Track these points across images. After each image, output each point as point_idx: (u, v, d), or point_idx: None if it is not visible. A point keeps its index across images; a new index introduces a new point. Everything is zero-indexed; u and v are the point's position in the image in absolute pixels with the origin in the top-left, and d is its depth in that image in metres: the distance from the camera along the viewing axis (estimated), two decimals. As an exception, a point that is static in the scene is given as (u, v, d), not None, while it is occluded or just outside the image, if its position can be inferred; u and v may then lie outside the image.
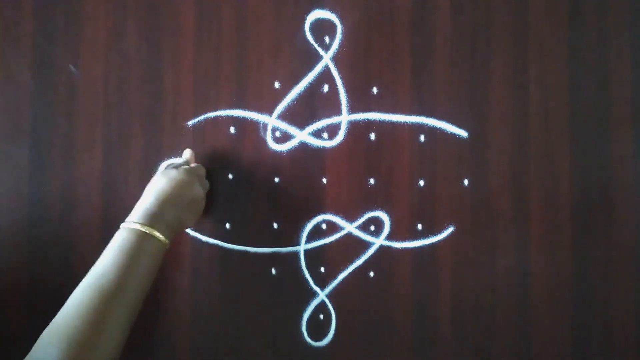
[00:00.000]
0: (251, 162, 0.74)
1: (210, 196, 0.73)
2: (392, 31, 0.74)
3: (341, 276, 0.74)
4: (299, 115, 0.74)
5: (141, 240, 0.55)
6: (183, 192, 0.62)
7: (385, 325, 0.74)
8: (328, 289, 0.74)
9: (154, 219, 0.57)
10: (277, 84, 0.74)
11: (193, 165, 0.71)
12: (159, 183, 0.62)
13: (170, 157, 0.74)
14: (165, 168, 0.66)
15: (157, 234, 0.56)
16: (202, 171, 0.71)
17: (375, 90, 0.74)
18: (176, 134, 0.74)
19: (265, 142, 0.74)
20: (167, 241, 0.58)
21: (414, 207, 0.74)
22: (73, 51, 0.75)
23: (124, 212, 0.74)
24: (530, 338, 0.73)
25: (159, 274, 0.73)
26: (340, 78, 0.74)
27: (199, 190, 0.66)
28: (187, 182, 0.63)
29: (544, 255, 0.73)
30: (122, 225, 0.57)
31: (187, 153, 0.72)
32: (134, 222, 0.56)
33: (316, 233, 0.74)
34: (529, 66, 0.74)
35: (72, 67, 0.75)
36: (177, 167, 0.66)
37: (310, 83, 0.74)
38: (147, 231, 0.56)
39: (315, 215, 0.74)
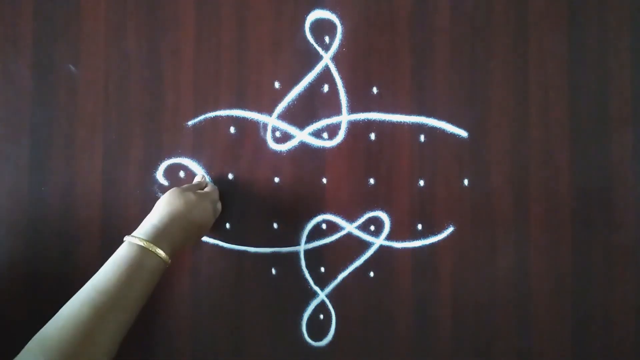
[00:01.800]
0: (251, 162, 0.74)
1: (210, 196, 0.73)
2: (392, 31, 0.74)
3: (341, 276, 0.74)
4: (299, 115, 0.74)
5: (142, 256, 0.54)
6: (196, 217, 0.62)
7: (385, 325, 0.74)
8: (328, 289, 0.74)
9: (159, 236, 0.56)
10: (277, 84, 0.74)
11: (208, 189, 0.70)
12: (174, 203, 0.60)
13: (171, 157, 0.74)
14: (184, 190, 0.64)
15: (160, 251, 0.55)
16: (216, 196, 0.71)
17: (375, 90, 0.74)
18: (176, 134, 0.74)
19: (265, 142, 0.74)
20: (168, 260, 0.56)
21: (414, 207, 0.74)
22: (73, 51, 0.75)
23: (124, 212, 0.74)
24: (530, 337, 0.73)
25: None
26: (340, 78, 0.74)
27: (211, 217, 0.66)
28: (202, 207, 0.63)
29: (544, 255, 0.73)
30: (127, 238, 0.55)
31: (199, 177, 0.73)
32: (138, 237, 0.55)
33: (316, 233, 0.74)
34: (529, 66, 0.74)
35: (72, 67, 0.75)
36: (192, 189, 0.65)
37: (310, 83, 0.74)
38: (150, 248, 0.54)
39: (315, 215, 0.74)
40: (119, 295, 0.51)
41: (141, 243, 0.54)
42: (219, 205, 0.71)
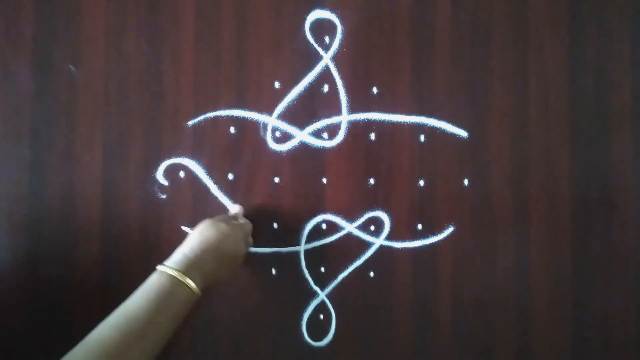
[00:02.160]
0: (251, 162, 0.74)
1: (212, 196, 0.73)
2: (392, 31, 0.74)
3: (341, 276, 0.74)
4: (299, 115, 0.74)
5: (172, 285, 0.53)
6: (228, 248, 0.61)
7: (385, 325, 0.74)
8: (328, 289, 0.74)
9: (191, 267, 0.55)
10: (277, 84, 0.74)
11: (242, 221, 0.69)
12: (207, 233, 0.60)
13: (171, 157, 0.74)
14: (217, 220, 0.63)
15: (191, 282, 0.54)
16: (250, 228, 0.70)
17: (375, 90, 0.74)
18: (176, 134, 0.74)
19: (265, 142, 0.74)
20: (199, 291, 0.55)
21: (414, 207, 0.74)
22: (73, 51, 0.75)
23: (124, 212, 0.74)
24: (530, 337, 0.73)
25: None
26: (340, 78, 0.74)
27: (243, 249, 0.65)
28: (235, 238, 0.62)
29: (544, 255, 0.73)
30: (158, 267, 0.55)
31: (236, 208, 0.72)
32: (169, 267, 0.54)
33: (316, 233, 0.74)
34: (529, 66, 0.74)
35: (72, 67, 0.75)
36: (226, 220, 0.64)
37: (310, 83, 0.74)
38: (181, 278, 0.53)
39: (315, 215, 0.74)
40: (147, 324, 0.50)
41: (172, 272, 0.54)
42: (251, 239, 0.70)
